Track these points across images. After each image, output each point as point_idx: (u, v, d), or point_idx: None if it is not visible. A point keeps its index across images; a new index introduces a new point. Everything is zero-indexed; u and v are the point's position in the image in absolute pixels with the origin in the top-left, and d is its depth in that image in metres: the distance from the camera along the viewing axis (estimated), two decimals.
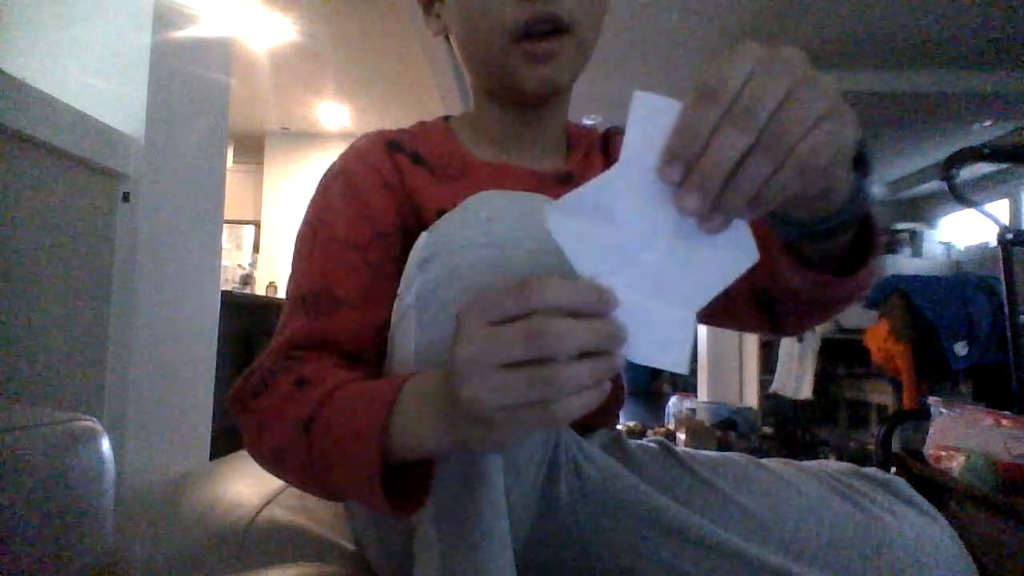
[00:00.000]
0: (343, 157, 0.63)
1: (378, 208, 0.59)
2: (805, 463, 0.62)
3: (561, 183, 0.66)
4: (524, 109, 0.65)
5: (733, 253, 0.32)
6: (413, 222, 0.60)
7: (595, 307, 0.31)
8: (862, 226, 0.46)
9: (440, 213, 0.48)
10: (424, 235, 0.46)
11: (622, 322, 0.32)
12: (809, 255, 0.48)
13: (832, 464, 0.62)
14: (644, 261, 0.32)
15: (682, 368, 0.32)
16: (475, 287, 0.41)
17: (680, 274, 0.32)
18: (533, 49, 0.56)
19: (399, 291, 0.48)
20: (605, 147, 0.73)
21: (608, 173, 0.32)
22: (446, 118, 0.72)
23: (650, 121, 0.31)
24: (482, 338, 0.31)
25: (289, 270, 0.59)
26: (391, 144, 0.63)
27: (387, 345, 0.50)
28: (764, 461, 0.63)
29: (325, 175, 0.62)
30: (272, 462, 0.48)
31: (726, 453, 0.63)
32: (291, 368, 0.49)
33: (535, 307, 0.30)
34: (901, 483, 0.57)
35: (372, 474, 0.39)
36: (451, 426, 0.35)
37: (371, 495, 0.40)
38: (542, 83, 0.58)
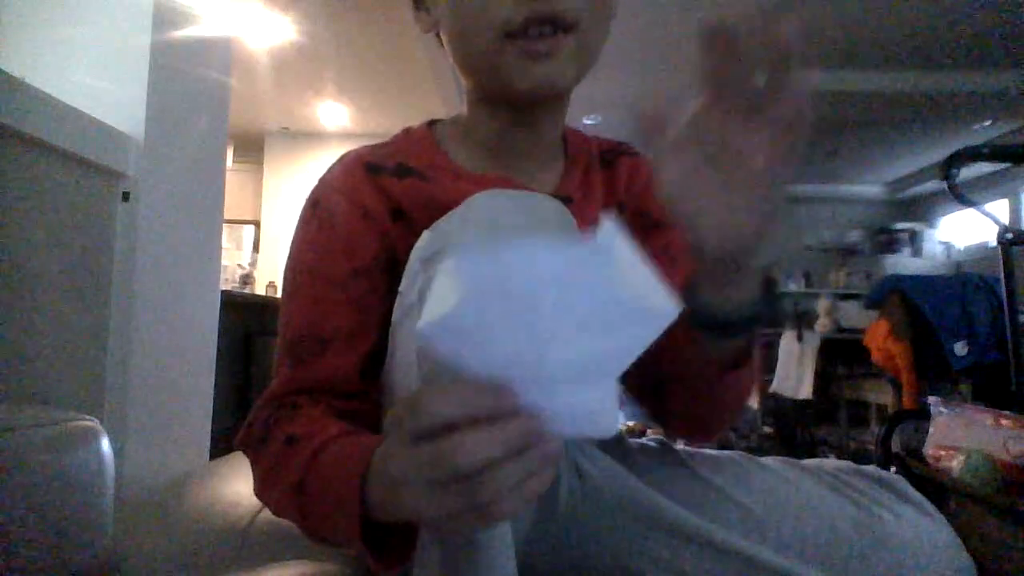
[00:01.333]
0: (320, 188, 0.61)
1: (356, 242, 0.57)
2: (804, 461, 0.63)
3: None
4: (518, 113, 0.61)
5: (645, 317, 0.30)
6: (405, 240, 0.55)
7: (496, 411, 0.30)
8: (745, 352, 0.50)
9: (441, 212, 0.47)
10: (426, 233, 0.46)
11: (538, 412, 0.30)
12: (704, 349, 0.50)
13: (831, 462, 0.62)
14: (547, 357, 0.30)
15: (611, 433, 0.31)
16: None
17: (588, 356, 0.30)
18: (528, 47, 0.52)
19: (401, 289, 0.48)
20: (605, 164, 0.69)
21: (466, 297, 0.28)
22: (431, 123, 0.68)
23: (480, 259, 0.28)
24: (404, 457, 0.32)
25: (280, 312, 0.60)
26: (370, 167, 0.60)
27: (387, 343, 0.50)
28: (763, 460, 0.63)
29: (304, 208, 0.60)
30: (279, 515, 0.51)
31: (725, 451, 0.63)
32: (282, 421, 0.51)
33: (433, 427, 0.30)
34: (900, 481, 0.57)
35: (359, 544, 0.41)
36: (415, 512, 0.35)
37: (367, 558, 0.42)
38: (537, 83, 0.54)
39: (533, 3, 0.50)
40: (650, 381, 0.59)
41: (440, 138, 0.66)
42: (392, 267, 0.56)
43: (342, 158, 0.62)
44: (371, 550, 0.41)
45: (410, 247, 0.47)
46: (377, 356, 0.54)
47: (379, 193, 0.58)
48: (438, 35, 0.62)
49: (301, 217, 0.60)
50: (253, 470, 0.53)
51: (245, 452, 0.54)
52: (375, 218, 0.58)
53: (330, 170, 0.62)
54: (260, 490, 0.52)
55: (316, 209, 0.59)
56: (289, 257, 0.60)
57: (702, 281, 0.45)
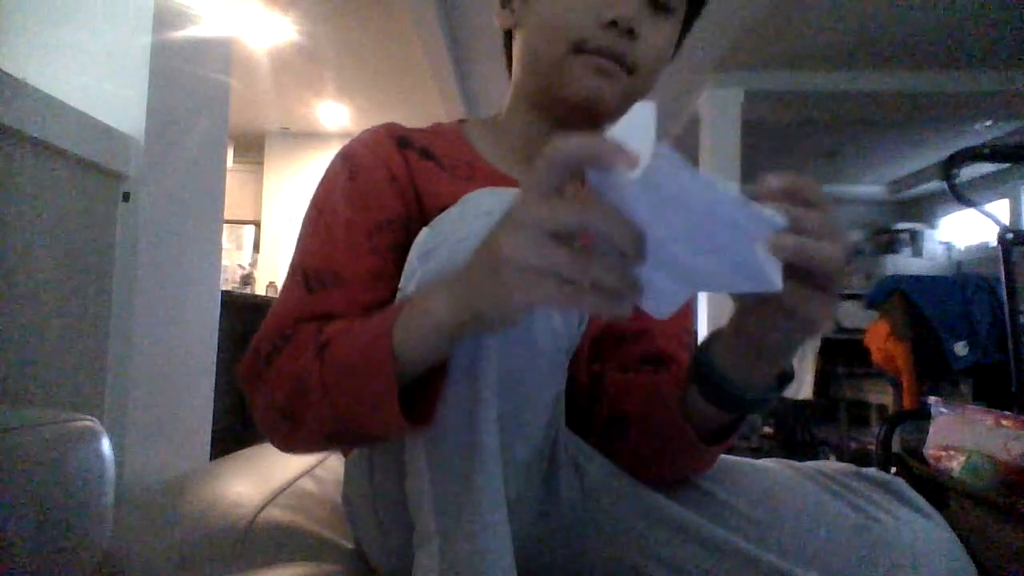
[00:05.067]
0: (352, 145, 0.63)
1: (384, 198, 0.59)
2: (803, 464, 0.62)
3: None
4: (558, 126, 0.64)
5: (757, 276, 0.33)
6: (418, 216, 0.60)
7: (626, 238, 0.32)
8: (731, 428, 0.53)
9: (445, 208, 0.48)
10: (425, 230, 0.47)
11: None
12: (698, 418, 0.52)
13: (831, 465, 0.62)
14: (672, 248, 0.33)
15: (658, 315, 0.37)
16: None
17: (694, 265, 0.34)
18: (592, 61, 0.57)
19: (401, 285, 0.48)
20: None
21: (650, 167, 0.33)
22: (461, 122, 0.72)
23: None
24: (540, 204, 0.33)
25: (293, 249, 0.59)
26: (401, 140, 0.63)
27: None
28: (760, 462, 0.63)
29: (333, 161, 0.63)
30: (285, 409, 0.47)
31: (722, 456, 0.63)
32: (298, 335, 0.49)
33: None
34: (900, 484, 0.57)
35: (384, 372, 0.39)
36: (467, 292, 0.36)
37: (384, 402, 0.40)
38: (588, 93, 0.58)
39: (613, 37, 0.56)
40: (620, 434, 0.61)
41: (468, 135, 0.69)
42: (412, 236, 0.57)
43: (374, 127, 0.65)
44: (400, 405, 0.40)
45: (424, 222, 0.49)
46: None
47: (405, 165, 0.62)
48: (508, 34, 0.67)
49: (330, 167, 0.62)
50: (257, 388, 0.49)
51: (248, 377, 0.50)
52: (401, 185, 0.60)
53: (362, 134, 0.64)
54: (269, 393, 0.48)
55: (346, 162, 0.61)
56: (311, 204, 0.61)
57: (728, 356, 0.47)
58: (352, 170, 0.60)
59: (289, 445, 0.51)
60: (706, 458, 0.57)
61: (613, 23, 0.55)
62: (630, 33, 0.56)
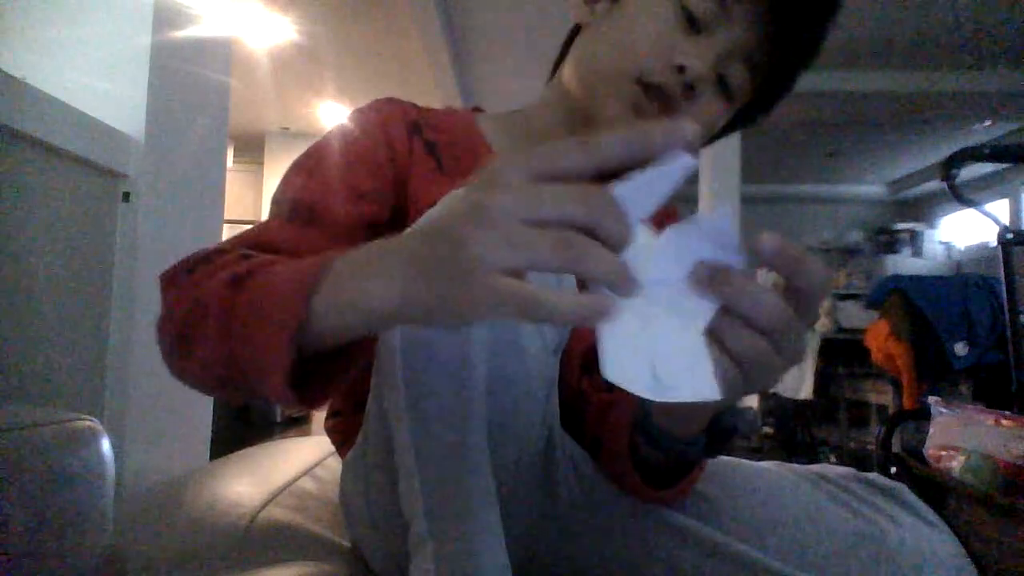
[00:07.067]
0: (366, 113, 0.63)
1: (382, 174, 0.60)
2: (804, 468, 0.62)
3: None
4: (580, 134, 0.63)
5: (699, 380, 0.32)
6: (400, 205, 0.60)
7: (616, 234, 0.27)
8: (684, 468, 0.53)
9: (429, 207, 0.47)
10: (407, 232, 0.46)
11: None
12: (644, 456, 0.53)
13: (833, 469, 0.62)
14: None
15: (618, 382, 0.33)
16: None
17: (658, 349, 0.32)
18: (640, 102, 0.55)
19: None
20: None
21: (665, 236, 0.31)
22: (475, 110, 0.71)
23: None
24: (519, 188, 0.27)
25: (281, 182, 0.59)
26: (414, 125, 0.64)
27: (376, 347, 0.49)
28: (761, 465, 0.63)
29: (343, 123, 0.63)
30: (182, 329, 0.41)
31: (722, 458, 0.63)
32: (236, 252, 0.45)
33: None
34: (903, 489, 0.57)
35: (288, 319, 0.33)
36: (419, 286, 0.29)
37: (276, 366, 0.34)
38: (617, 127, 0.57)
39: (674, 82, 0.54)
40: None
41: (482, 126, 0.68)
42: (394, 220, 0.57)
43: (395, 101, 0.65)
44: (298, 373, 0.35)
45: (399, 218, 0.49)
46: None
47: (408, 153, 0.62)
48: (576, 28, 0.65)
49: (338, 127, 0.62)
50: (167, 296, 0.44)
51: (164, 283, 0.45)
52: (398, 167, 0.61)
53: (379, 108, 0.64)
54: (173, 304, 0.43)
55: (355, 127, 0.62)
56: (314, 146, 0.61)
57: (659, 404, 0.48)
58: (358, 136, 0.61)
59: (181, 373, 0.44)
60: (649, 499, 0.57)
61: (681, 69, 0.54)
62: (690, 88, 0.55)
